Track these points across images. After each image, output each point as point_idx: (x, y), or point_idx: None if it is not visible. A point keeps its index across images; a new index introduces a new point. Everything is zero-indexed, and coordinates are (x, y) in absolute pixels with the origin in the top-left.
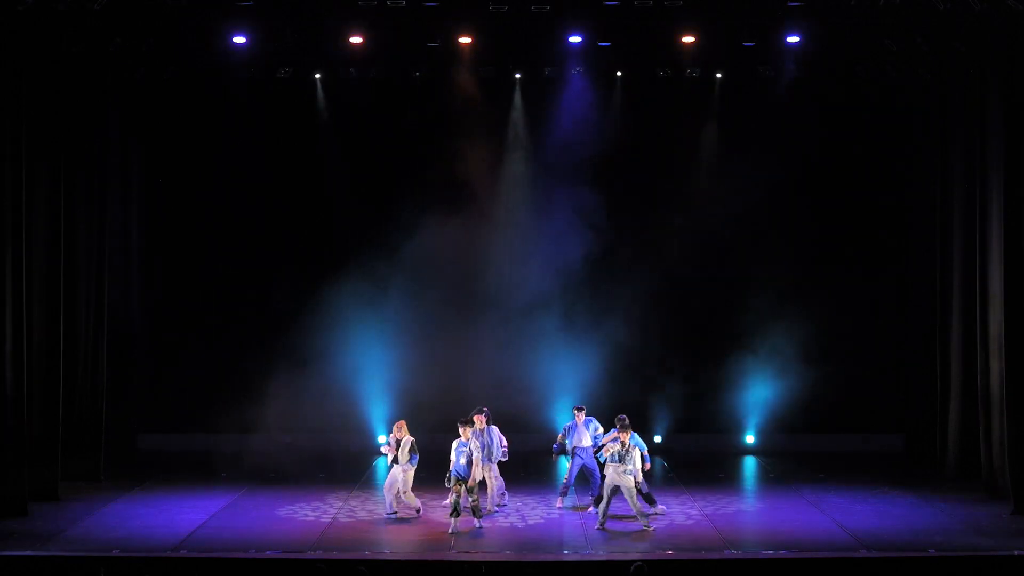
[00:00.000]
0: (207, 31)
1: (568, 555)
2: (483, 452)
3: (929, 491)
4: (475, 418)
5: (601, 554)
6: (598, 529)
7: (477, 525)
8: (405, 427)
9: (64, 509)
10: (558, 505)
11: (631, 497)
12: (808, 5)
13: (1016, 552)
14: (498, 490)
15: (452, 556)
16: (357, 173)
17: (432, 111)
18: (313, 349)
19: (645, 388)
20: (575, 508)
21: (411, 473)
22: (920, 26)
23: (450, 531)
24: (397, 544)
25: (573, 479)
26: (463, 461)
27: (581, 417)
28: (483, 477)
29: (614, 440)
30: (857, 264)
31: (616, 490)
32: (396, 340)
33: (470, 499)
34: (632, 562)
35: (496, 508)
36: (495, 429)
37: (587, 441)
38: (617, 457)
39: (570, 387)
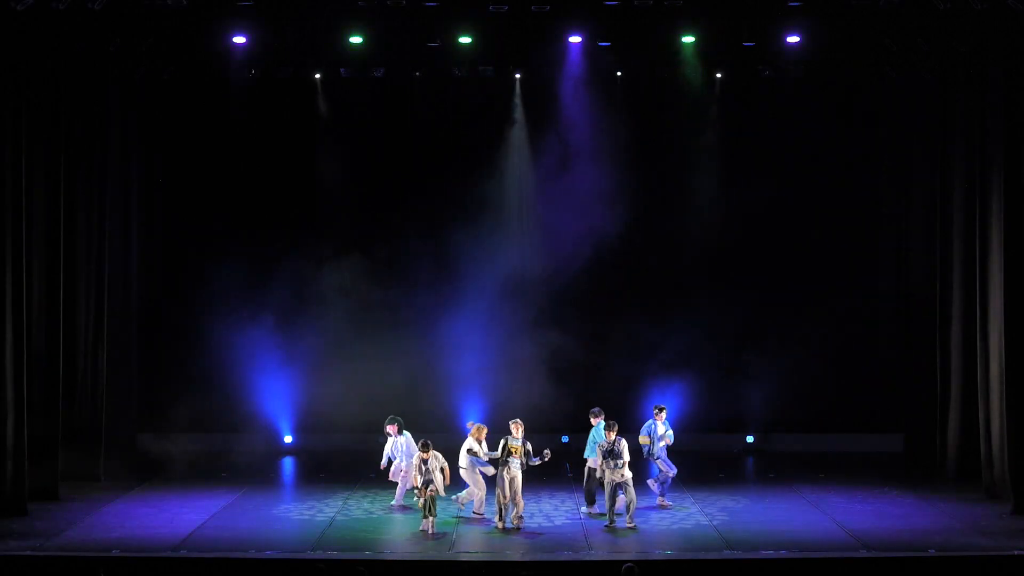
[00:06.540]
0: (207, 31)
1: (567, 555)
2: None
3: (929, 491)
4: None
5: (599, 554)
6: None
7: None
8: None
9: (64, 509)
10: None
11: (627, 492)
12: (808, 5)
13: (1016, 552)
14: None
15: (452, 556)
16: (356, 173)
17: (432, 111)
18: (314, 349)
19: (644, 388)
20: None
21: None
22: (920, 26)
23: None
24: (397, 544)
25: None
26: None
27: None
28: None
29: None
30: (857, 264)
31: (616, 487)
32: (398, 339)
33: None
34: (623, 562)
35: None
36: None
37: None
38: (608, 455)
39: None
